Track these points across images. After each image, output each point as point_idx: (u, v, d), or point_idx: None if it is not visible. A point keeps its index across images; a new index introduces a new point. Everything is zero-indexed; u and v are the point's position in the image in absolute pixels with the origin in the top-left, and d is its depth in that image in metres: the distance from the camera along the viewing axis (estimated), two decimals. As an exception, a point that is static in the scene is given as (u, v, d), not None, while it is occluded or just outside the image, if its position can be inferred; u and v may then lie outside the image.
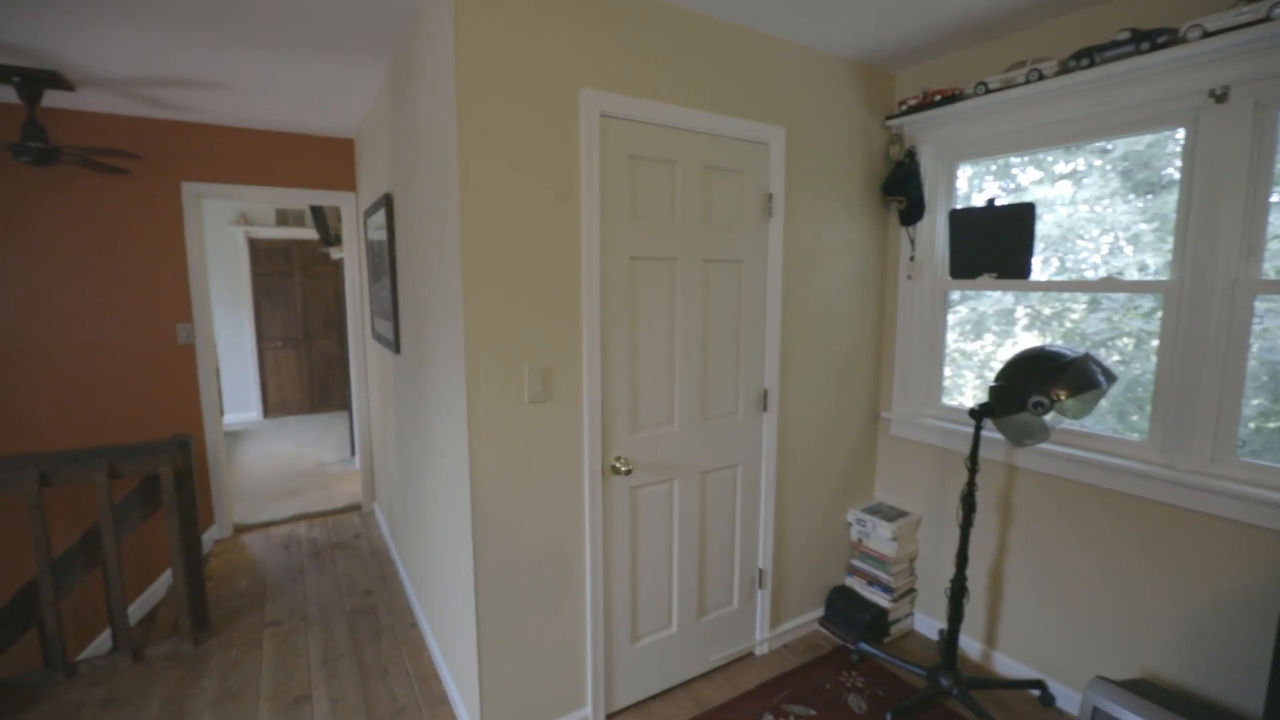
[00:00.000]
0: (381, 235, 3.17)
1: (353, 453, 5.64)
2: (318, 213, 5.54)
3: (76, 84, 2.96)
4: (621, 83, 2.03)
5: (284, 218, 7.29)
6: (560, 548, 2.09)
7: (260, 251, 7.23)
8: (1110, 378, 2.00)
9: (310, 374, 7.63)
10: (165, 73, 2.84)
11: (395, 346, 2.96)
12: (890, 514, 2.87)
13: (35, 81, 2.81)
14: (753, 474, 2.57)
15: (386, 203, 2.87)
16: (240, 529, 4.16)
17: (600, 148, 1.99)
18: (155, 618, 3.50)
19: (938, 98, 2.55)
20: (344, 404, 7.75)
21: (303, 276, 7.45)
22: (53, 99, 3.17)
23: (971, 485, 2.30)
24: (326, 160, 4.09)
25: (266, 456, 5.86)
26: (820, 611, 2.94)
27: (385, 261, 3.06)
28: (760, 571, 2.65)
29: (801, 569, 2.83)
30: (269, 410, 7.44)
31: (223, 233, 6.95)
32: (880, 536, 2.81)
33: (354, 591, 3.30)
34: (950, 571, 2.76)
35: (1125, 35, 1.98)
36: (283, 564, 3.65)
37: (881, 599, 2.81)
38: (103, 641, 3.54)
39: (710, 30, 2.19)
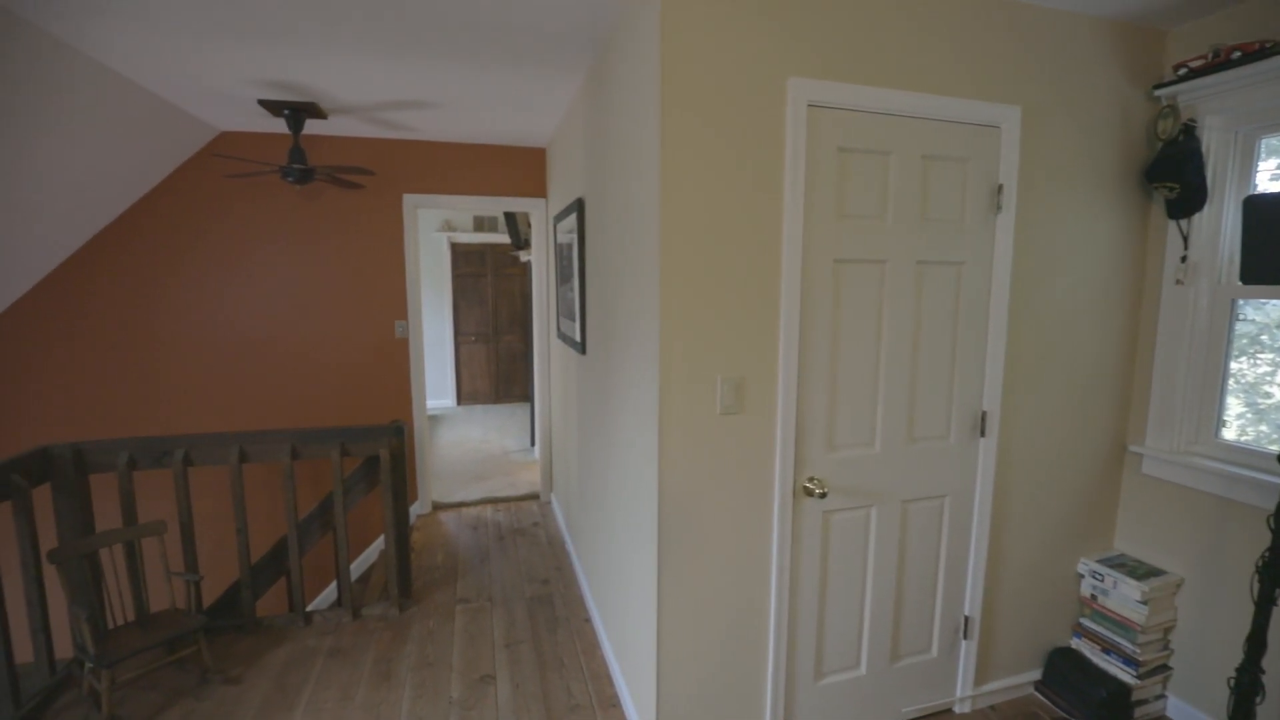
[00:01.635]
0: (570, 239, 3.28)
1: (532, 443, 6.00)
2: (510, 218, 5.97)
3: (329, 112, 3.42)
4: (832, 68, 1.85)
5: (480, 224, 8.00)
6: (745, 569, 1.97)
7: (459, 255, 8.01)
8: None
9: (497, 367, 8.30)
10: (395, 96, 3.17)
11: (581, 348, 3.04)
12: (1138, 570, 2.36)
13: (299, 113, 3.29)
14: (963, 507, 2.24)
15: (578, 207, 2.96)
16: (438, 506, 4.59)
17: (807, 141, 1.83)
18: (368, 579, 3.97)
19: (1236, 54, 2.03)
20: (525, 396, 8.33)
21: (494, 277, 8.13)
22: (310, 126, 3.70)
23: (1277, 553, 1.79)
24: (520, 169, 4.36)
25: (459, 442, 6.45)
26: (1037, 674, 2.50)
27: (574, 265, 3.15)
28: (966, 619, 2.31)
29: (1016, 622, 2.43)
30: (461, 398, 8.22)
31: (430, 238, 7.79)
32: (1124, 596, 2.32)
33: (533, 579, 3.46)
34: (1231, 656, 2.19)
35: None
36: (471, 544, 3.95)
37: (1122, 672, 2.32)
38: (324, 596, 4.09)
39: (932, 0, 1.93)
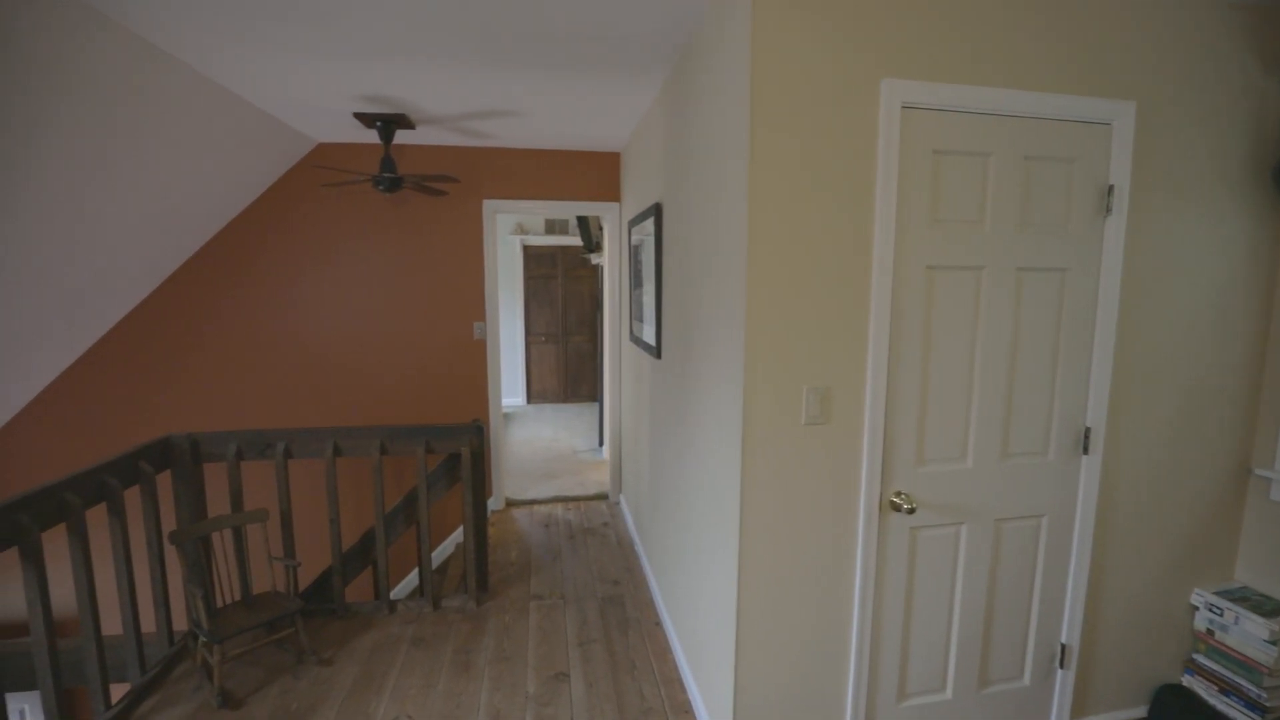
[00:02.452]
0: (645, 243, 3.30)
1: (600, 443, 6.07)
2: (582, 222, 6.06)
3: (417, 123, 3.58)
4: (928, 68, 1.78)
5: (551, 226, 8.17)
6: (828, 584, 1.93)
7: (531, 257, 8.20)
8: None
9: (566, 366, 8.45)
10: (479, 107, 3.28)
11: (656, 352, 3.05)
12: (1265, 606, 2.15)
13: (390, 124, 3.45)
14: (1061, 528, 2.11)
15: (655, 212, 2.97)
16: (511, 503, 4.72)
17: (900, 144, 1.77)
18: (445, 570, 4.12)
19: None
20: (592, 396, 8.44)
21: (564, 279, 8.28)
22: (398, 136, 3.88)
23: None
24: (594, 173, 4.42)
25: (530, 440, 6.61)
26: (1142, 711, 2.33)
27: (649, 269, 3.17)
28: (1062, 647, 2.18)
29: (1118, 653, 2.27)
30: (531, 397, 8.41)
31: (504, 241, 8.02)
32: (1247, 633, 2.13)
33: (604, 579, 3.50)
34: (1376, 704, 1.97)
35: None
36: (543, 541, 4.04)
37: (1244, 717, 2.12)
38: (403, 585, 4.27)
39: (1043, -7, 1.83)
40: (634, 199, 3.83)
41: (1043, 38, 1.85)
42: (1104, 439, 2.08)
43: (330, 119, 3.49)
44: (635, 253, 3.72)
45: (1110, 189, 1.96)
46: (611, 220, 4.50)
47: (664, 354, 2.94)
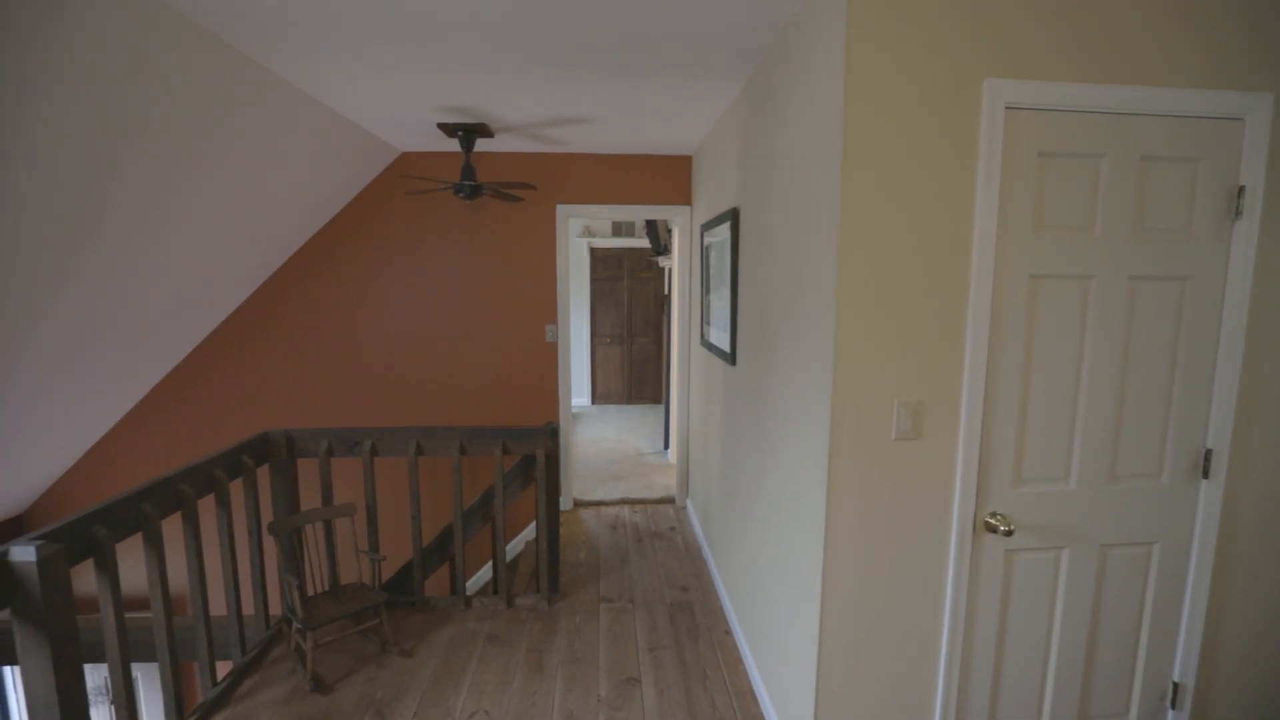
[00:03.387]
0: (719, 248, 3.27)
1: (665, 446, 6.07)
2: (651, 225, 6.08)
3: (496, 131, 3.67)
4: (1034, 66, 1.68)
5: (618, 229, 8.24)
6: (915, 607, 1.85)
7: (598, 259, 8.29)
8: None
9: (630, 368, 8.50)
10: (555, 114, 3.34)
11: (730, 358, 3.02)
12: None
13: (471, 133, 3.56)
14: (1176, 557, 1.95)
15: (731, 217, 2.94)
16: (579, 504, 4.78)
17: (1003, 146, 1.68)
18: (516, 567, 4.22)
19: None
20: (656, 398, 8.46)
21: (629, 281, 8.33)
22: (477, 145, 3.99)
23: None
24: (665, 177, 4.42)
25: (595, 440, 6.68)
26: (1267, 759, 2.12)
27: (724, 274, 3.14)
28: (1174, 685, 2.01)
29: (1238, 695, 2.07)
30: (596, 398, 8.50)
31: (572, 243, 8.13)
32: (1398, 682, 1.90)
33: (672, 584, 3.50)
34: None
35: None
36: (611, 543, 4.07)
37: (1394, 774, 1.90)
38: (474, 580, 4.39)
39: (1165, -20, 1.69)
40: (707, 202, 3.80)
41: (1164, 29, 1.71)
42: (1227, 462, 1.91)
43: (415, 129, 3.64)
44: (707, 256, 3.70)
45: (1240, 190, 1.79)
46: (682, 223, 4.48)
47: (739, 360, 2.90)
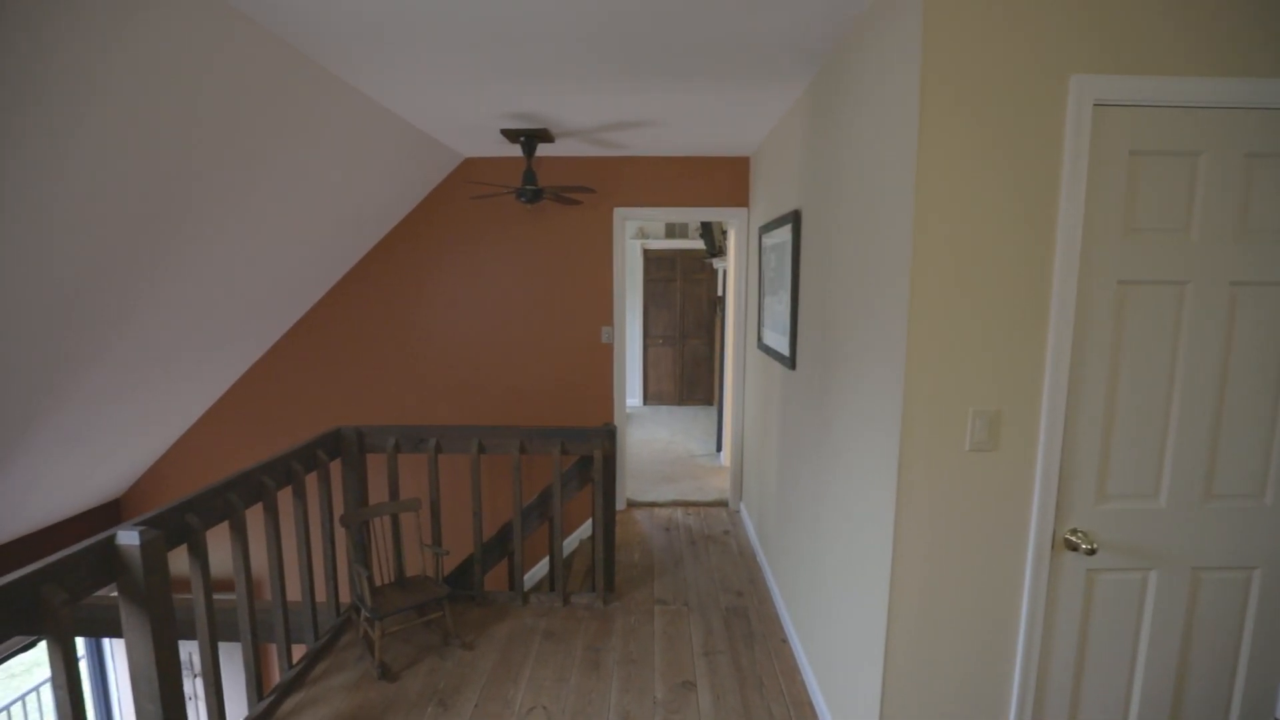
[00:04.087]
0: (779, 251, 3.23)
1: (718, 448, 6.03)
2: (706, 227, 6.05)
3: (556, 136, 3.73)
4: (1124, 60, 1.59)
5: (671, 230, 8.24)
6: (988, 625, 1.78)
7: (651, 261, 8.32)
8: None
9: (682, 369, 8.49)
10: (615, 119, 3.37)
11: (790, 363, 2.97)
12: None
13: (532, 139, 3.63)
14: (1278, 584, 1.81)
15: (793, 220, 2.90)
16: (632, 504, 4.81)
17: (1091, 145, 1.60)
18: (570, 565, 4.27)
19: None
20: (707, 399, 8.42)
21: (682, 282, 8.33)
22: (538, 149, 4.07)
23: None
24: (723, 179, 4.39)
25: (648, 441, 6.70)
26: (1383, 807, 1.94)
27: (783, 277, 3.10)
28: (1277, 721, 1.87)
29: (1352, 735, 1.91)
30: (648, 399, 8.53)
31: (626, 245, 8.19)
32: None
33: (726, 589, 3.47)
34: None
35: None
36: (664, 545, 4.08)
37: None
38: (529, 576, 4.46)
39: (1275, -36, 1.58)
40: (765, 205, 3.76)
41: (1270, 14, 1.59)
42: (1342, 483, 1.76)
43: (478, 135, 3.73)
44: (765, 259, 3.66)
45: (1360, 188, 1.65)
46: (739, 226, 4.45)
47: (799, 365, 2.86)
